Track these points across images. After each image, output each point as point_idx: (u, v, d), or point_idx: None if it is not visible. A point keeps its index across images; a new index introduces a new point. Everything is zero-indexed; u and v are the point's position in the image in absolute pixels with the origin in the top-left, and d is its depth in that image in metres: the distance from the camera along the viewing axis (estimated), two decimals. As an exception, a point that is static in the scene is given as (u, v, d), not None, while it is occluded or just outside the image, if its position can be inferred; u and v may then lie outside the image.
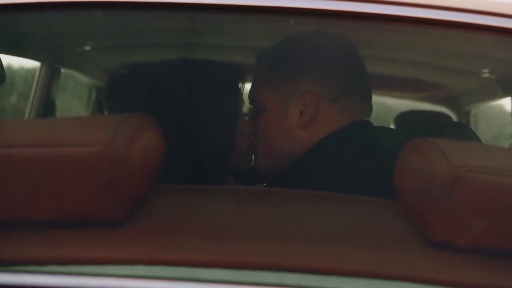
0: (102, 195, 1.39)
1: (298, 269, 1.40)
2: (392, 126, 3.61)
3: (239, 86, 1.98)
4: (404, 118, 3.59)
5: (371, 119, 1.97)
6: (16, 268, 1.37)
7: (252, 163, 2.02)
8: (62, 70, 3.39)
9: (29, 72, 3.20)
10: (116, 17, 2.09)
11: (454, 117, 3.69)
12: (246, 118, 2.00)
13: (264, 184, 2.06)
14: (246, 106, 2.03)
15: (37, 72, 3.22)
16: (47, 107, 3.27)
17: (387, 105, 3.90)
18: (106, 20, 2.15)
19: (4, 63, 2.02)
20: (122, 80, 2.08)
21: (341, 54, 1.94)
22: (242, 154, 1.97)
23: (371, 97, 1.97)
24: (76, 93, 3.82)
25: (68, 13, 1.76)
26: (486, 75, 2.93)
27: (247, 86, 2.01)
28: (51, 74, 3.27)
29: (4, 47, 2.28)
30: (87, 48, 3.03)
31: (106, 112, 3.23)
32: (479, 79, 3.07)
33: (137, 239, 1.43)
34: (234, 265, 1.41)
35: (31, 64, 3.23)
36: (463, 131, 2.33)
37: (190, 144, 1.85)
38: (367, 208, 1.61)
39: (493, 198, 1.40)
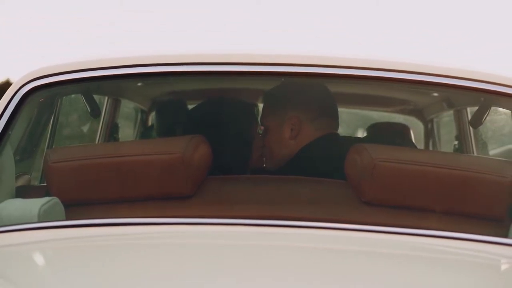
0: (180, 181, 2.46)
1: (290, 218, 2.40)
2: (366, 133, 4.46)
3: (255, 115, 2.93)
4: (372, 128, 4.28)
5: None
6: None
7: (264, 164, 2.92)
8: (122, 101, 4.46)
9: (100, 104, 4.20)
10: None
11: (421, 124, 4.64)
12: (260, 135, 2.90)
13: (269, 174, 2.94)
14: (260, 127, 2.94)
15: (104, 103, 4.24)
16: (113, 127, 4.31)
17: (370, 117, 4.89)
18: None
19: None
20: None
21: (316, 91, 2.84)
22: (257, 157, 2.88)
23: (338, 117, 2.85)
24: (131, 116, 4.86)
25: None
26: (435, 95, 3.88)
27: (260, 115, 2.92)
28: (114, 104, 4.34)
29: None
30: (139, 84, 4.06)
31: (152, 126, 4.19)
32: (431, 97, 4.06)
33: (200, 205, 2.48)
34: (253, 217, 2.40)
35: (99, 98, 4.22)
36: (403, 138, 3.40)
37: (225, 152, 2.79)
38: (331, 185, 2.61)
39: (396, 176, 2.44)
